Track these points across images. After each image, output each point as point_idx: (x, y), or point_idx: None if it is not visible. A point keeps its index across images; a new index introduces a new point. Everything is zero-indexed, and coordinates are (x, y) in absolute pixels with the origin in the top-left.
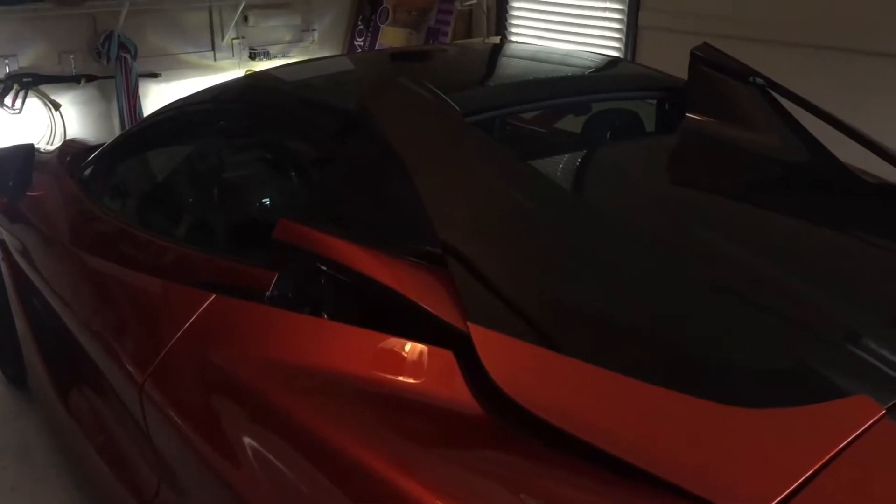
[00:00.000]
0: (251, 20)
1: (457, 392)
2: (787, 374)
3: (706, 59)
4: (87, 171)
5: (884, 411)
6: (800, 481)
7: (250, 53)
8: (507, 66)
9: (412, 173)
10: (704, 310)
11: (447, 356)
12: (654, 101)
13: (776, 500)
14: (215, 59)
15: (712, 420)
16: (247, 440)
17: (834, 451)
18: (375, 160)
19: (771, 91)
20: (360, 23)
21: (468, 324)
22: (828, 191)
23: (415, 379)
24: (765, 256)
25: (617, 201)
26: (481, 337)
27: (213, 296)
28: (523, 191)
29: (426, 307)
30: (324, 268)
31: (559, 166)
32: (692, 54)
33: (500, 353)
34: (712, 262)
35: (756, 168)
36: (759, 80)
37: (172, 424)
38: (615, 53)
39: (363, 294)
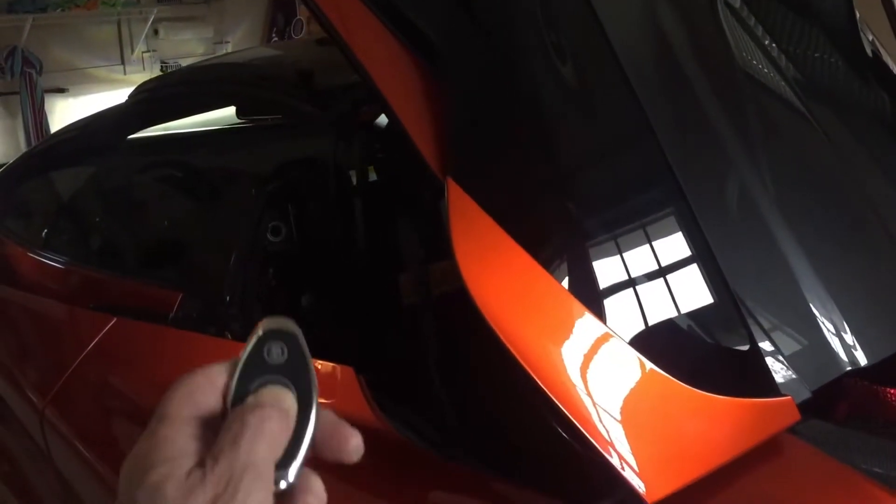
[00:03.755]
0: (162, 33)
1: (357, 407)
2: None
3: None
4: None
5: (799, 418)
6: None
7: (162, 66)
8: None
9: None
10: None
11: (347, 372)
12: None
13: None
14: (125, 73)
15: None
16: None
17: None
18: None
19: None
20: (274, 35)
21: (448, 179)
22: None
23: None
24: None
25: None
26: (458, 202)
27: (115, 319)
28: None
29: (391, 104)
30: None
31: None
32: None
33: (473, 232)
34: None
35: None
36: None
37: (74, 451)
38: None
39: None
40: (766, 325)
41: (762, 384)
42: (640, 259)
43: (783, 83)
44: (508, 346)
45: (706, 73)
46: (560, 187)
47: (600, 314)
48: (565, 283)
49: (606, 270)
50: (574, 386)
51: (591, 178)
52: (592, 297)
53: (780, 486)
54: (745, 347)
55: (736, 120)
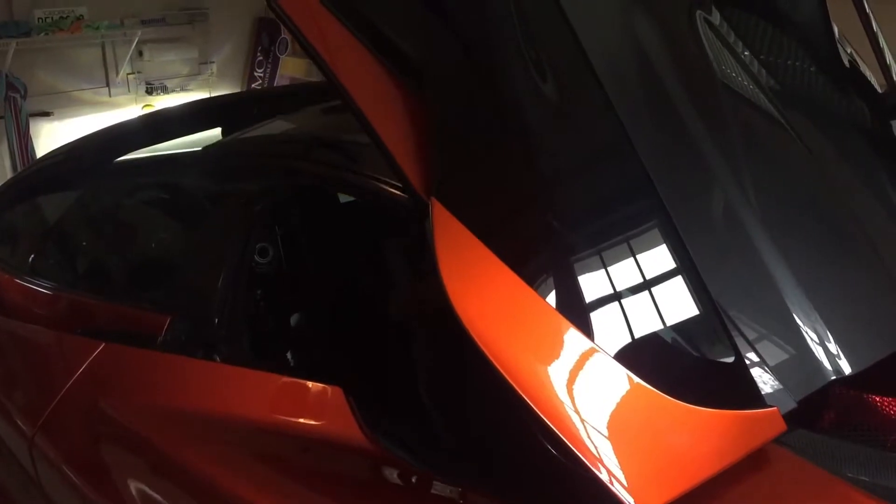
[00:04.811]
0: (146, 55)
1: (346, 427)
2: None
3: None
4: None
5: (785, 429)
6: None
7: (147, 88)
8: None
9: None
10: None
11: (336, 392)
12: None
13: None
14: (110, 95)
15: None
16: (140, 491)
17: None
18: None
19: None
20: (259, 54)
21: (432, 199)
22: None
23: (306, 418)
24: None
25: None
26: (442, 221)
27: (103, 344)
28: None
29: (377, 130)
30: None
31: None
32: None
33: (458, 252)
34: None
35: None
36: None
37: (64, 477)
38: None
39: None
40: (751, 337)
41: (748, 395)
42: (623, 274)
43: (763, 96)
44: (495, 363)
45: (687, 88)
46: (542, 204)
47: (586, 330)
48: (550, 299)
49: (591, 286)
50: (561, 402)
51: (573, 195)
52: (577, 313)
53: (767, 496)
54: (731, 359)
55: (717, 133)
